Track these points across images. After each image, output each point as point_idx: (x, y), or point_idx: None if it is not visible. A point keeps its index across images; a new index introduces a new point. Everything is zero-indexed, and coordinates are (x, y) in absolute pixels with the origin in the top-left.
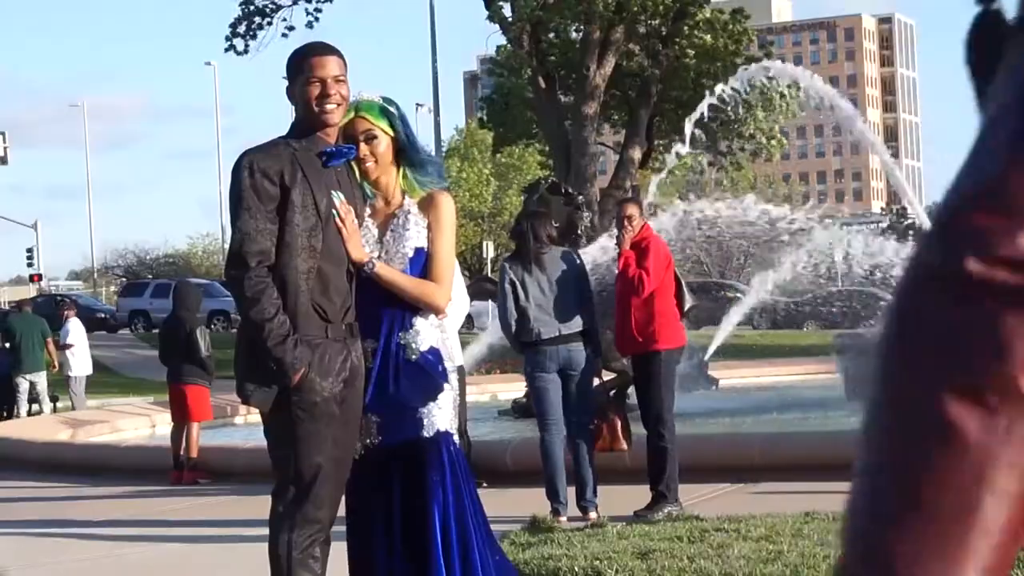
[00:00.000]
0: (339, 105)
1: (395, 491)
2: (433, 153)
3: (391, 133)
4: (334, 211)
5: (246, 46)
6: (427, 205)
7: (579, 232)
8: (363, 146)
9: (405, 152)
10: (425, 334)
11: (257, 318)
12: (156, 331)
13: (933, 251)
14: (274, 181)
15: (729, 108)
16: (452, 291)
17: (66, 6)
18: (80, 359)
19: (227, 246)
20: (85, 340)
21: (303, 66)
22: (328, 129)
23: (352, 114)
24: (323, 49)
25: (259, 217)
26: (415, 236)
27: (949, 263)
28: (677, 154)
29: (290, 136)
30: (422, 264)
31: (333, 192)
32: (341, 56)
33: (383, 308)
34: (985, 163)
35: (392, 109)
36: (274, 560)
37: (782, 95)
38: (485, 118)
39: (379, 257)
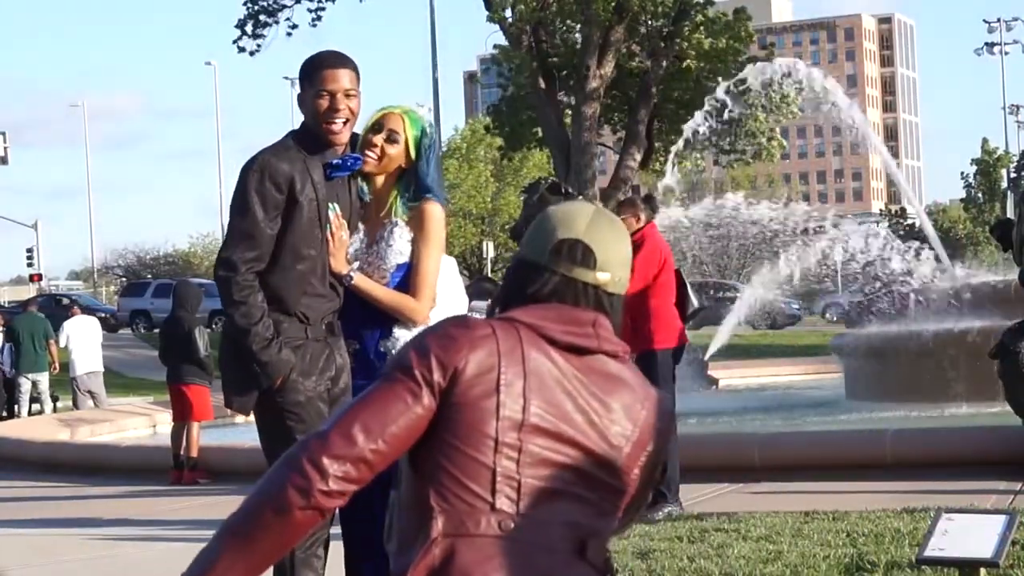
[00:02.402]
0: (347, 121)
1: (375, 493)
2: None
3: (412, 153)
4: (328, 224)
5: (257, 46)
6: (414, 216)
7: None
8: (381, 137)
9: (409, 178)
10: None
11: (243, 322)
12: (157, 331)
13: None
14: (281, 188)
15: (729, 110)
16: (442, 295)
17: (66, 6)
18: (81, 358)
19: None
20: (86, 337)
21: (315, 77)
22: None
23: (396, 109)
24: (337, 61)
25: (260, 222)
26: (399, 251)
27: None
28: (678, 153)
29: (298, 134)
30: (402, 279)
31: (330, 204)
32: (355, 68)
33: (364, 317)
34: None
35: (430, 135)
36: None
37: (783, 97)
38: (492, 125)
39: (361, 268)
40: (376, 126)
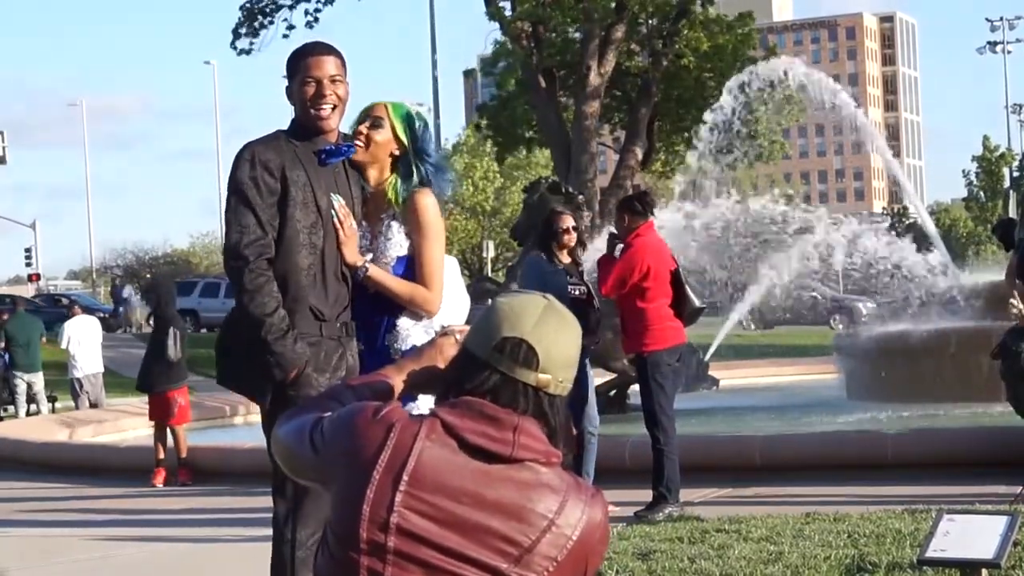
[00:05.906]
0: (335, 107)
1: None
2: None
3: (402, 136)
4: (333, 212)
5: (251, 45)
6: (406, 209)
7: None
8: (364, 125)
9: (406, 161)
10: (410, 334)
11: (257, 312)
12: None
13: None
14: (275, 175)
15: (735, 112)
16: (445, 292)
17: (66, 6)
18: (84, 359)
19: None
20: (87, 338)
21: (300, 66)
22: (328, 134)
23: (381, 102)
24: (320, 49)
25: (259, 210)
26: (397, 245)
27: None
28: (678, 152)
29: (289, 132)
30: (404, 272)
31: (333, 195)
32: (340, 56)
33: (371, 311)
34: None
35: (417, 121)
36: (277, 559)
37: (789, 97)
38: (483, 125)
39: (370, 261)
40: (362, 117)
